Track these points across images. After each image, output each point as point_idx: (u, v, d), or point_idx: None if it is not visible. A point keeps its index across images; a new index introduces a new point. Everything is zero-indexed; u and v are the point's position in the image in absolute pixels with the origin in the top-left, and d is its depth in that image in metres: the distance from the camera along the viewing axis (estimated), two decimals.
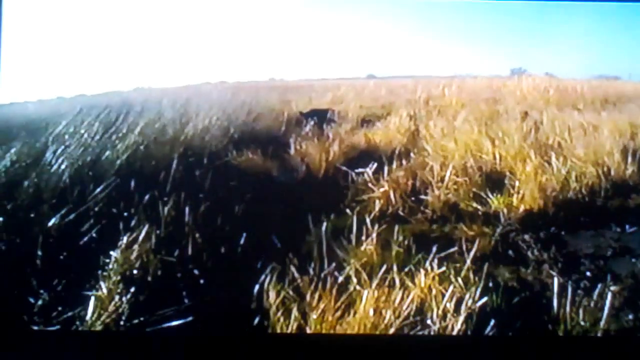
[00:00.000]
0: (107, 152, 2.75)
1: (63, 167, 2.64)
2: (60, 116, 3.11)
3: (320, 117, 3.90)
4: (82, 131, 2.91)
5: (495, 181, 3.17)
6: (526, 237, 2.64)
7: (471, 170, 3.20)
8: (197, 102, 3.66)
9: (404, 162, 3.33)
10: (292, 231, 2.41)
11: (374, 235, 2.29)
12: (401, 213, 2.72)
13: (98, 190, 2.45)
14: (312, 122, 3.67)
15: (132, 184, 2.51)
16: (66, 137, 2.92)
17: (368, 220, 2.42)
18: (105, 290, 1.97)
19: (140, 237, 2.13)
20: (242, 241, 2.27)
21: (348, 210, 2.69)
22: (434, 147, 3.52)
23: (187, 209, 2.38)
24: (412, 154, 3.44)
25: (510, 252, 2.54)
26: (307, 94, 4.62)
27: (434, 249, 2.31)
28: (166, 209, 2.36)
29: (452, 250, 2.40)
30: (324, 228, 2.23)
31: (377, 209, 2.75)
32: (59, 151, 2.80)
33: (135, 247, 2.08)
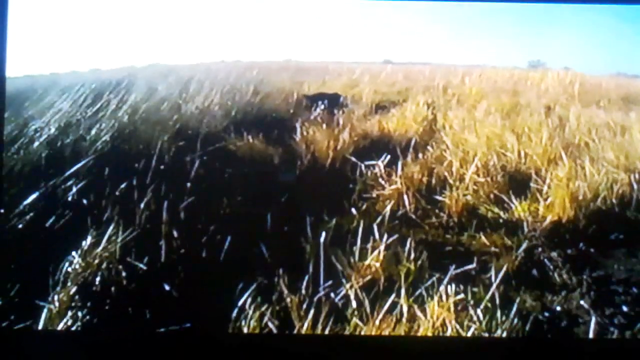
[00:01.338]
0: (91, 131, 2.29)
1: (38, 145, 2.18)
2: (45, 91, 2.65)
3: (332, 101, 3.41)
4: (67, 106, 2.44)
5: (519, 183, 2.68)
6: (553, 254, 2.16)
7: (493, 169, 2.71)
8: (201, 80, 3.18)
9: (419, 155, 2.83)
10: (286, 235, 1.95)
11: (382, 247, 1.81)
12: (413, 216, 2.24)
13: (65, 175, 1.98)
14: (322, 106, 3.17)
15: (107, 170, 2.04)
16: (49, 112, 2.46)
17: (376, 228, 1.93)
18: (57, 303, 1.52)
19: (106, 237, 1.66)
20: (226, 246, 1.81)
21: (354, 210, 2.23)
22: (453, 140, 3.04)
23: (165, 204, 1.91)
24: (429, 147, 2.94)
25: (534, 271, 2.07)
26: (321, 76, 4.10)
27: (450, 268, 1.82)
28: (142, 203, 1.90)
29: (469, 267, 1.94)
30: (322, 237, 1.76)
31: (386, 209, 2.27)
32: (38, 127, 2.34)
33: (98, 250, 1.62)
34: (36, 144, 2.25)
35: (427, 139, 3.20)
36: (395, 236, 1.89)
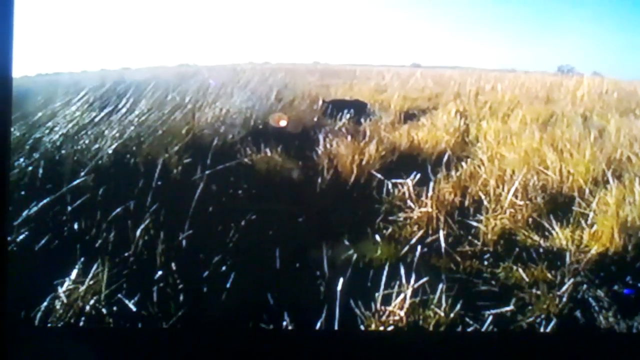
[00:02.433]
0: (96, 142, 2.00)
1: (38, 156, 1.90)
2: (54, 93, 2.38)
3: (358, 109, 3.07)
4: (74, 110, 2.16)
5: (560, 206, 2.32)
6: (600, 293, 1.81)
7: (532, 190, 2.35)
8: (224, 84, 2.87)
9: (451, 170, 2.49)
10: (298, 271, 1.63)
11: (408, 292, 1.48)
12: (443, 244, 1.90)
13: (46, 201, 1.69)
14: (347, 115, 2.85)
15: (105, 188, 1.74)
16: (58, 117, 2.18)
17: (402, 268, 1.60)
18: None
19: (91, 273, 1.36)
20: (228, 284, 1.49)
21: (377, 238, 1.89)
22: (489, 155, 2.67)
23: (162, 234, 1.60)
24: (462, 162, 2.60)
25: (578, 313, 1.73)
26: (349, 79, 3.75)
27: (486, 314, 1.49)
28: (139, 229, 1.60)
29: (507, 309, 1.60)
30: (339, 285, 1.44)
31: (414, 235, 1.93)
32: (43, 133, 2.06)
33: (82, 288, 1.32)
34: (36, 154, 1.98)
35: (459, 152, 2.85)
36: (425, 279, 1.55)
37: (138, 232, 1.63)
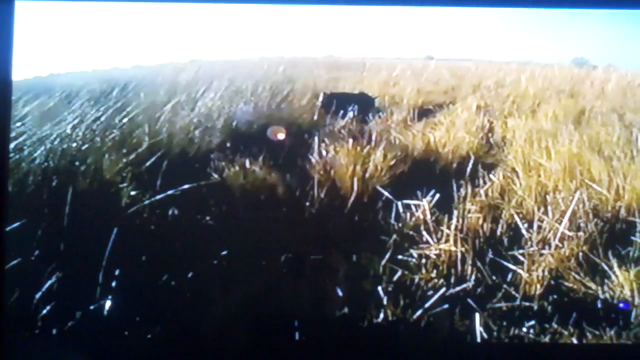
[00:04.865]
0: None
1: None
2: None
3: (364, 104, 2.34)
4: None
5: (618, 237, 1.59)
6: None
7: (583, 215, 1.63)
8: (207, 79, 2.17)
9: (477, 182, 1.78)
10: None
11: None
12: (472, 303, 1.19)
13: None
14: (350, 113, 2.12)
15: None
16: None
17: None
18: None
19: None
20: None
21: (380, 290, 1.20)
22: (523, 162, 1.94)
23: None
24: (489, 171, 1.88)
25: None
26: (359, 72, 2.98)
27: None
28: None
29: None
30: None
31: (432, 287, 1.23)
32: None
33: None
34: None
35: (484, 157, 2.12)
36: None
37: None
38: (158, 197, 1.44)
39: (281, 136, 2.07)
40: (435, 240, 1.48)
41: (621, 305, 1.42)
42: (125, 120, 1.82)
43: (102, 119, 1.79)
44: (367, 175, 1.77)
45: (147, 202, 1.43)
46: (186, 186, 1.48)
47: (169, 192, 1.44)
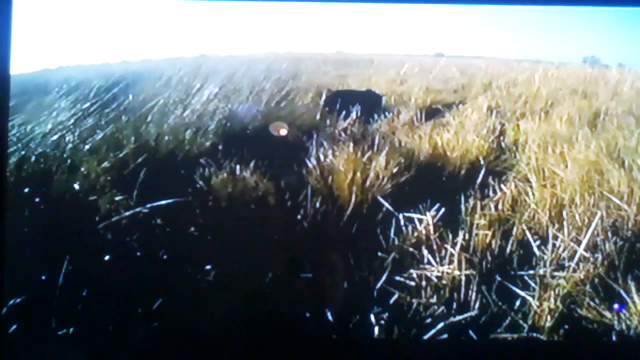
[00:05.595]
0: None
1: None
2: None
3: (369, 103, 2.15)
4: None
5: (637, 257, 1.41)
6: None
7: (600, 231, 1.44)
8: (203, 77, 2.01)
9: (487, 193, 1.59)
10: None
11: None
12: (473, 335, 1.01)
13: None
14: (354, 113, 1.94)
15: None
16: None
17: None
18: None
19: None
20: None
21: (372, 319, 1.02)
22: (537, 171, 1.76)
23: None
24: (500, 179, 1.69)
25: None
26: (367, 69, 2.77)
27: None
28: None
29: None
30: None
31: (432, 314, 1.05)
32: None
33: None
34: None
35: (495, 163, 1.93)
36: None
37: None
38: (138, 209, 1.28)
39: (283, 132, 1.91)
40: (437, 260, 1.30)
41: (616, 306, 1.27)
42: (111, 116, 1.66)
43: (87, 119, 1.63)
44: (367, 183, 1.59)
45: (127, 213, 1.27)
46: (163, 202, 1.32)
47: (147, 206, 1.28)
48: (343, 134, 1.82)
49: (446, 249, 1.33)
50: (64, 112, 1.68)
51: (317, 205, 1.50)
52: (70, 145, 1.51)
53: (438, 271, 1.26)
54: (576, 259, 1.31)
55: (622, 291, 1.30)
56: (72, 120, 1.65)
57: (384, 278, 1.27)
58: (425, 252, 1.31)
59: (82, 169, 1.47)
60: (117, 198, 1.41)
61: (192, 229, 1.40)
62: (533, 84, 3.10)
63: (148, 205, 1.28)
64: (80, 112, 1.70)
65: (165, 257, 1.32)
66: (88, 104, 1.71)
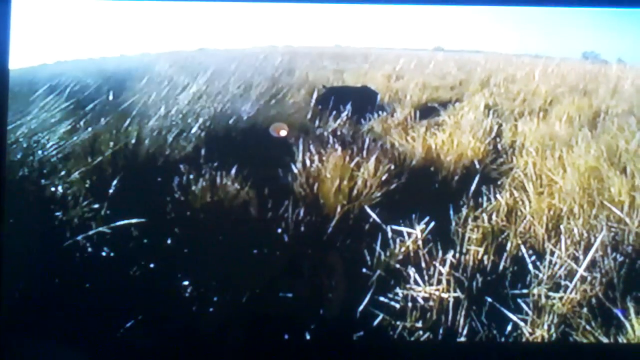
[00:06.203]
0: None
1: None
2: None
3: (361, 100, 2.04)
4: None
5: (636, 275, 1.31)
6: None
7: (601, 249, 1.33)
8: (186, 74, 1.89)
9: (481, 202, 1.48)
10: None
11: None
12: None
13: None
14: (345, 113, 1.83)
15: None
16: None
17: None
18: None
19: None
20: None
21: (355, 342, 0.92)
22: (534, 179, 1.64)
23: None
24: (495, 186, 1.58)
25: None
26: (364, 63, 2.65)
27: None
28: None
29: None
30: None
31: (414, 336, 0.95)
32: None
33: None
34: None
35: (490, 167, 1.81)
36: None
37: None
38: (101, 228, 1.17)
39: (283, 133, 1.80)
40: (426, 278, 1.19)
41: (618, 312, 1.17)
42: (88, 116, 1.55)
43: (64, 122, 1.52)
44: (354, 191, 1.48)
45: (93, 231, 1.16)
46: (134, 221, 1.21)
47: (119, 223, 1.17)
48: (332, 137, 1.70)
49: (434, 266, 1.22)
50: (42, 114, 1.57)
51: (301, 214, 1.39)
52: (41, 152, 1.40)
53: (425, 292, 1.15)
54: (575, 280, 1.20)
55: (620, 314, 1.19)
56: (47, 123, 1.54)
57: (367, 298, 1.16)
58: (412, 270, 1.20)
59: (56, 176, 1.37)
60: (91, 207, 1.30)
61: (169, 241, 1.30)
62: (532, 81, 2.96)
63: (112, 225, 1.17)
64: (57, 113, 1.58)
65: (137, 273, 1.22)
66: (65, 104, 1.60)
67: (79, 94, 1.59)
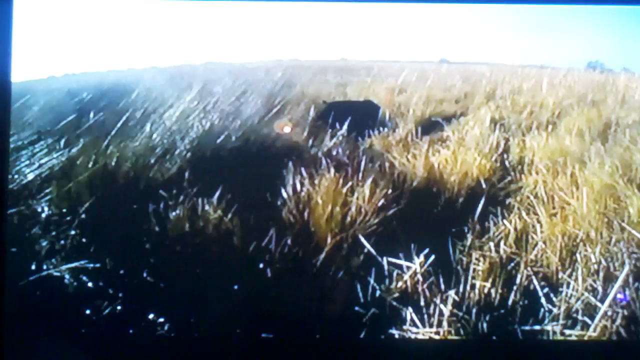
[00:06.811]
0: None
1: None
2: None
3: (362, 116, 1.90)
4: None
5: None
6: None
7: (622, 282, 1.16)
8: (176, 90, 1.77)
9: (487, 227, 1.31)
10: None
11: None
12: None
13: None
14: (342, 131, 1.69)
15: None
16: None
17: None
18: None
19: None
20: None
21: None
22: (545, 204, 1.48)
23: None
24: (504, 214, 1.41)
25: None
26: (367, 77, 2.51)
27: None
28: None
29: None
30: None
31: None
32: None
33: None
34: None
35: (498, 188, 1.65)
36: None
37: None
38: (74, 264, 1.04)
39: (287, 130, 1.68)
40: (425, 317, 1.04)
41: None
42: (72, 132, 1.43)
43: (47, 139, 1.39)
44: (347, 219, 1.33)
45: (67, 266, 1.03)
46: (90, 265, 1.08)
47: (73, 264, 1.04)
48: (325, 158, 1.55)
49: (435, 304, 1.07)
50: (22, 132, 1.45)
51: (289, 244, 1.24)
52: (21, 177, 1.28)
53: (424, 334, 1.00)
54: (598, 317, 1.04)
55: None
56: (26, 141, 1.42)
57: (361, 337, 1.01)
58: (410, 310, 1.05)
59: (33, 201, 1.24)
60: (67, 235, 1.18)
61: (145, 274, 1.16)
62: (539, 92, 2.79)
63: (68, 266, 1.04)
64: (36, 133, 1.47)
65: (109, 309, 1.08)
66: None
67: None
